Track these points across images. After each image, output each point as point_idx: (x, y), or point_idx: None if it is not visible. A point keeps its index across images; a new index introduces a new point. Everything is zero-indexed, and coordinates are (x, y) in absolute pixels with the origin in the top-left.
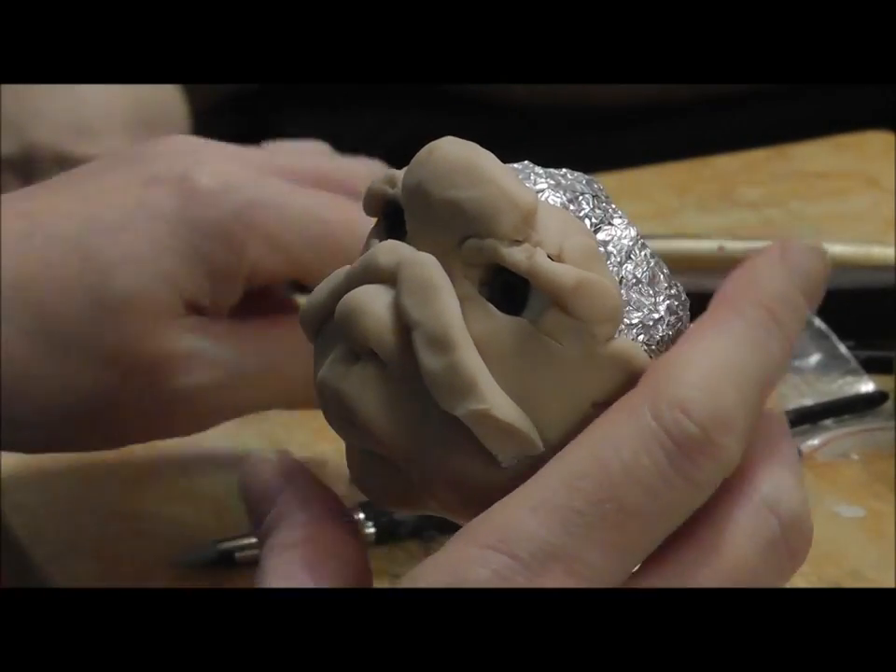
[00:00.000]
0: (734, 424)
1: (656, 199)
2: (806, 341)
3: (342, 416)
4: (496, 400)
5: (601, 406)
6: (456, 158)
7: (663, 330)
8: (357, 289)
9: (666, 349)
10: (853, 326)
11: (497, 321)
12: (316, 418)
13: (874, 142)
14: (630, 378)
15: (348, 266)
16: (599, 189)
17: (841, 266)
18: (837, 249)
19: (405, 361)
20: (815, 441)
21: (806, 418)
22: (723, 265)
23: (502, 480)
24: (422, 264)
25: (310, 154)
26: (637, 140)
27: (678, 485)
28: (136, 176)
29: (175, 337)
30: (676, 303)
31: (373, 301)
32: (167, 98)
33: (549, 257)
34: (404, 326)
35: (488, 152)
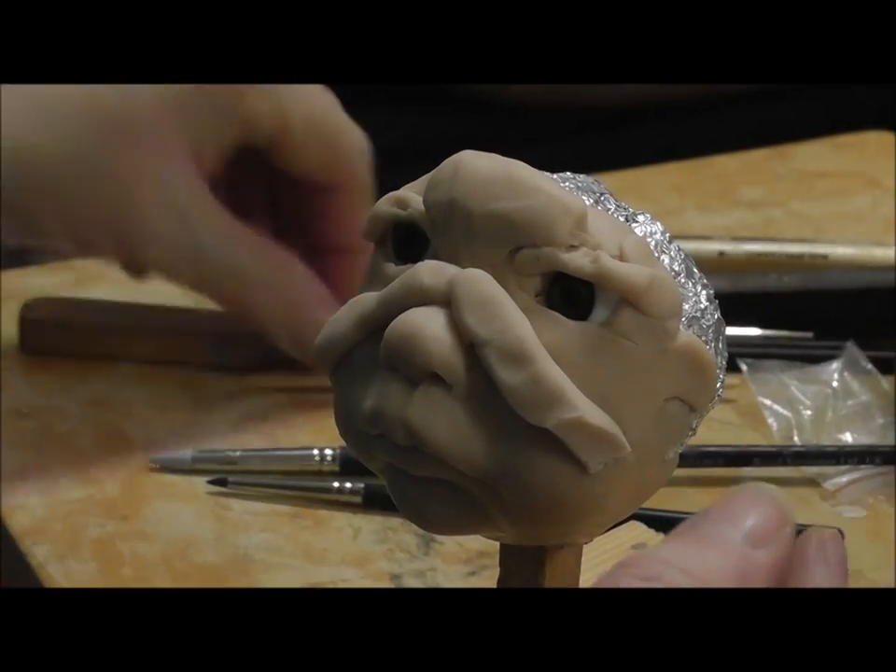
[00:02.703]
0: None
1: (657, 199)
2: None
3: (404, 444)
4: (586, 408)
5: (673, 400)
6: (492, 170)
7: (708, 320)
8: (407, 313)
9: (714, 338)
10: (853, 326)
11: (567, 328)
12: (317, 418)
13: (874, 142)
14: (695, 370)
15: (370, 293)
16: (607, 188)
17: (841, 267)
18: (837, 250)
19: (473, 381)
20: (843, 480)
21: (847, 458)
22: (724, 267)
23: (591, 486)
24: (479, 280)
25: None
26: (637, 140)
27: None
28: None
29: (172, 180)
30: (711, 292)
31: (430, 324)
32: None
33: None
34: (468, 345)
35: (519, 161)
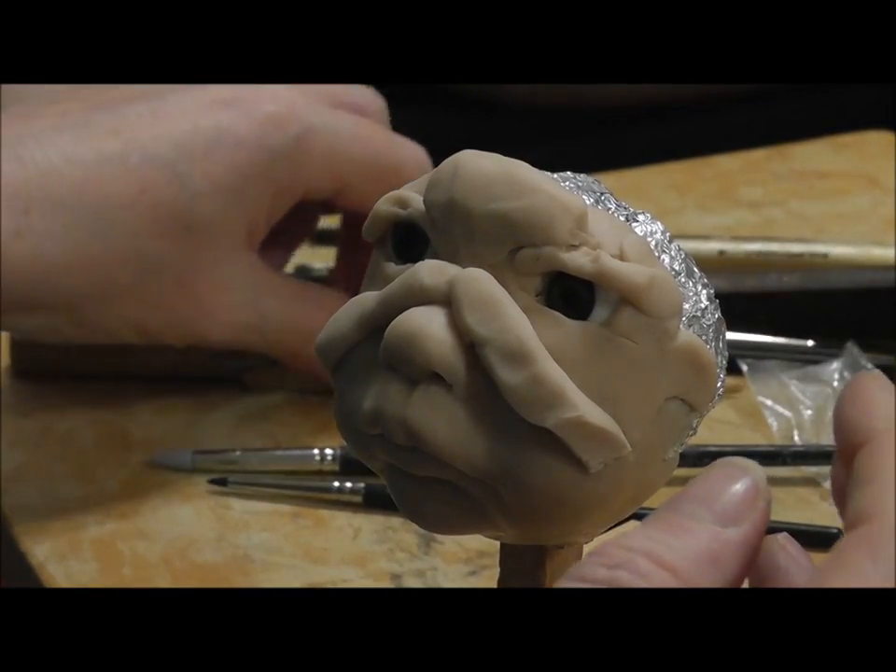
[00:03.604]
0: None
1: (656, 199)
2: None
3: (404, 444)
4: (586, 407)
5: (673, 400)
6: (491, 169)
7: (709, 319)
8: (408, 313)
9: (714, 338)
10: (853, 326)
11: (567, 328)
12: (317, 418)
13: (874, 142)
14: (695, 370)
15: (370, 293)
16: (607, 188)
17: (841, 266)
18: (837, 250)
19: (473, 380)
20: None
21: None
22: (724, 266)
23: (591, 486)
24: (479, 279)
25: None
26: (637, 140)
27: None
28: (206, 98)
29: (237, 270)
30: (711, 291)
31: (430, 323)
32: None
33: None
34: (468, 344)
35: (520, 161)
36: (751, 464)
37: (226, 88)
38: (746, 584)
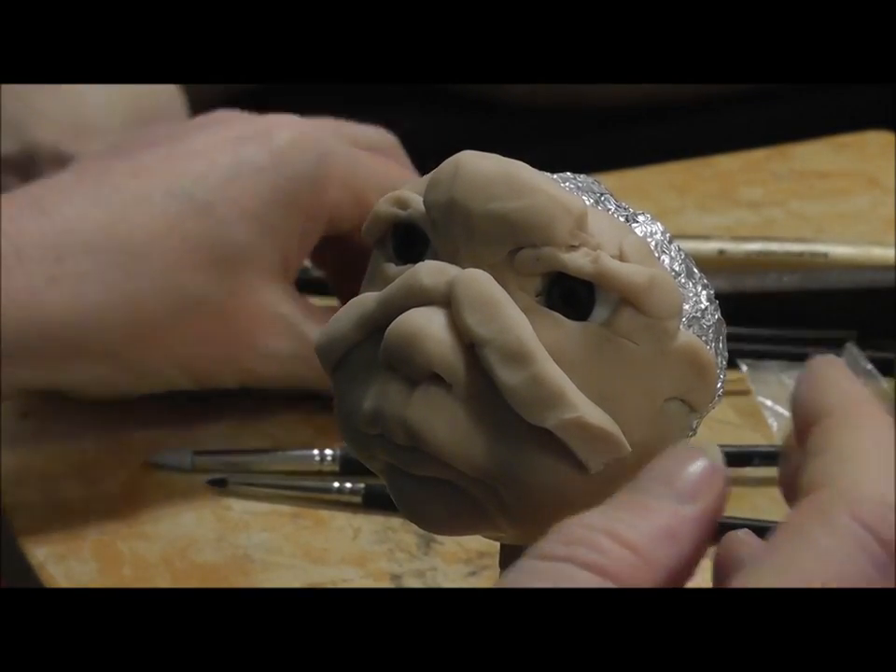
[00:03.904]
0: None
1: (656, 199)
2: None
3: (404, 444)
4: (586, 408)
5: (673, 401)
6: (491, 170)
7: (708, 320)
8: (408, 313)
9: (714, 339)
10: (853, 326)
11: (567, 329)
12: (317, 418)
13: (874, 142)
14: (695, 370)
15: (370, 293)
16: (607, 188)
17: (841, 266)
18: (837, 249)
19: (472, 381)
20: None
21: None
22: (724, 266)
23: (591, 486)
24: (479, 280)
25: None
26: (637, 140)
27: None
28: (223, 136)
29: (275, 299)
30: (711, 292)
31: (430, 324)
32: (166, 97)
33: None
34: (468, 345)
35: (520, 161)
36: (709, 445)
37: (241, 123)
38: (704, 580)
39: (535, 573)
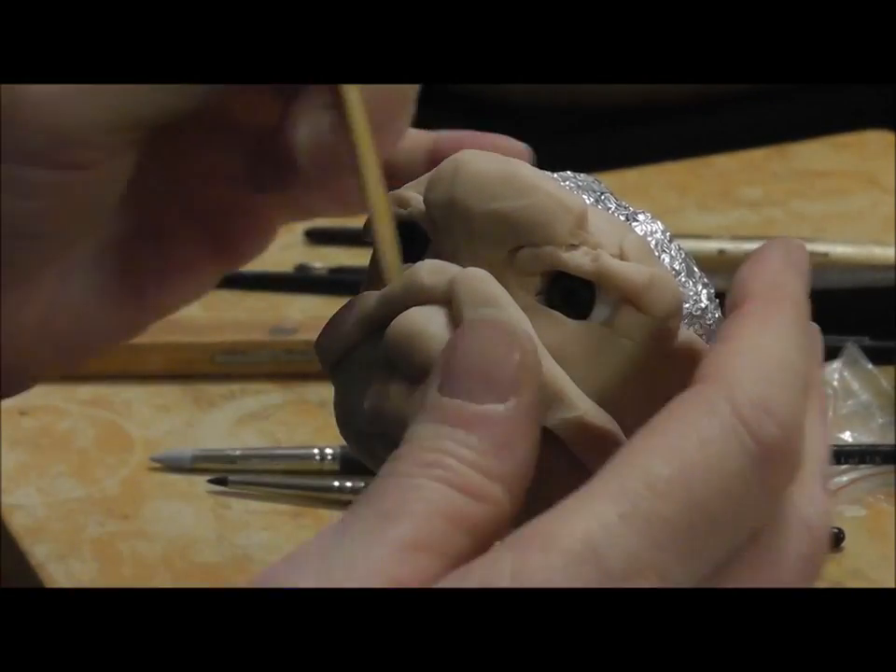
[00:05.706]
0: (802, 428)
1: (656, 198)
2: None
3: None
4: (586, 407)
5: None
6: (491, 169)
7: (710, 319)
8: (407, 313)
9: (715, 338)
10: (853, 325)
11: (567, 328)
12: (317, 418)
13: (874, 142)
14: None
15: (371, 292)
16: (607, 187)
17: (841, 266)
18: (837, 249)
19: None
20: (843, 479)
21: (847, 458)
22: (724, 266)
23: None
24: (479, 279)
25: None
26: (637, 140)
27: (755, 492)
28: None
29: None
30: (711, 291)
31: (430, 323)
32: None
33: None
34: None
35: (520, 161)
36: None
37: None
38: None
39: (391, 488)
